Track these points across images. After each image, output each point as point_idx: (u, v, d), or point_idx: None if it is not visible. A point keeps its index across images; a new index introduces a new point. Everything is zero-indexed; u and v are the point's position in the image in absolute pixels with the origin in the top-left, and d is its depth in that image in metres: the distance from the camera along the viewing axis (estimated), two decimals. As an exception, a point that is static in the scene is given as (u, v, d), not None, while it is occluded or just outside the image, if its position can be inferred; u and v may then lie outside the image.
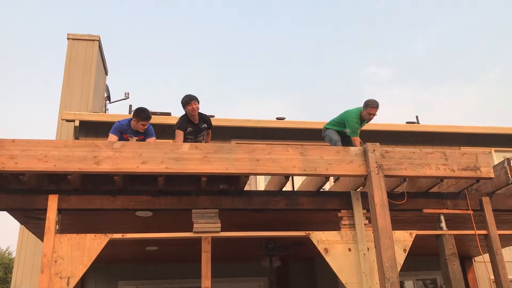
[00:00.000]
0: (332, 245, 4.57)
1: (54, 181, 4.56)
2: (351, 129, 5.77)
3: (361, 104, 5.97)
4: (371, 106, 5.65)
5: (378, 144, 4.69)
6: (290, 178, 7.35)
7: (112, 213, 4.76)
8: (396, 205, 4.94)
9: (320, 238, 4.59)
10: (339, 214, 4.81)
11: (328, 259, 4.52)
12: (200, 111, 5.74)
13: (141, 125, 5.39)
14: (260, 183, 8.76)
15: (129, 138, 5.46)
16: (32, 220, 4.87)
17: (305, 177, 5.94)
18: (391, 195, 4.89)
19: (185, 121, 5.70)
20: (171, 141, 5.64)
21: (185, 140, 5.65)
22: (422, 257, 8.02)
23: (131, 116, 5.60)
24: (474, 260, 8.48)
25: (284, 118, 9.61)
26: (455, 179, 5.15)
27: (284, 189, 5.19)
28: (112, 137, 5.37)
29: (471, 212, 5.22)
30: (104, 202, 4.49)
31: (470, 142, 9.86)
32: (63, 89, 9.54)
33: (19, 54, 68.13)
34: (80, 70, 9.85)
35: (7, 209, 4.49)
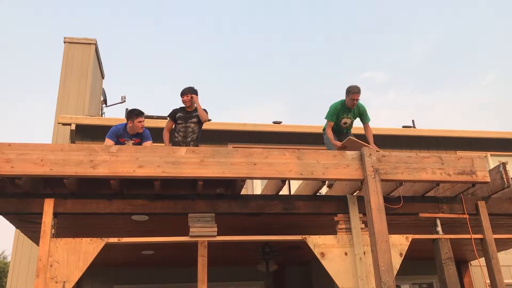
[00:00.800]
0: (329, 249, 4.57)
1: (50, 185, 4.55)
2: (327, 114, 5.94)
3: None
4: (353, 92, 5.77)
5: (374, 149, 4.71)
6: (287, 182, 7.37)
7: (108, 217, 4.75)
8: (393, 209, 4.95)
9: (317, 242, 4.59)
10: (336, 218, 4.81)
11: (324, 263, 4.52)
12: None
13: (138, 123, 5.39)
14: (257, 187, 8.76)
15: (126, 142, 5.45)
16: (27, 224, 4.85)
17: (301, 181, 5.95)
18: (387, 199, 4.90)
19: (177, 109, 5.79)
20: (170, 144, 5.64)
21: (177, 125, 5.71)
22: (418, 261, 8.02)
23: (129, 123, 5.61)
24: (470, 264, 8.49)
25: (281, 122, 9.62)
26: (451, 183, 5.18)
27: (280, 193, 5.19)
28: (108, 142, 5.37)
29: (467, 216, 5.24)
30: (100, 206, 4.49)
31: (466, 147, 9.90)
32: (59, 92, 9.52)
33: (15, 57, 67.98)
34: (77, 73, 9.83)
35: (2, 213, 4.47)
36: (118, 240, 4.32)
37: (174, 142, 5.68)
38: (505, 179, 5.23)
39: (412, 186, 5.46)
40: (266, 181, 6.10)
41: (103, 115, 11.42)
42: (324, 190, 6.41)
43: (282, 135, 9.21)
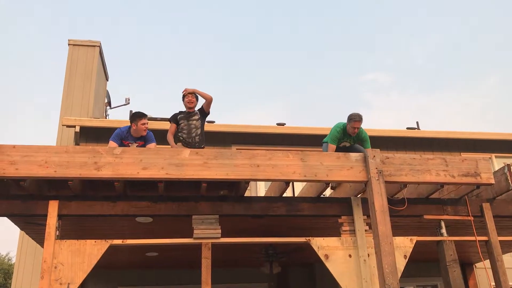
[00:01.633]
0: (333, 251, 4.57)
1: (55, 187, 4.56)
2: (329, 136, 5.88)
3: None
4: (354, 120, 5.69)
5: (378, 150, 4.70)
6: (291, 184, 7.36)
7: (112, 219, 4.76)
8: (397, 211, 4.94)
9: (321, 244, 4.58)
10: (340, 220, 4.81)
11: (328, 265, 4.51)
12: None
13: (141, 125, 5.40)
14: (261, 189, 8.75)
15: (130, 144, 5.46)
16: (32, 226, 4.87)
17: (305, 183, 5.94)
18: (391, 201, 4.89)
19: (177, 113, 5.83)
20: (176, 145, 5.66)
21: (179, 126, 5.73)
22: (422, 263, 8.00)
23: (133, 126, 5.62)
24: (475, 266, 8.46)
25: (285, 124, 9.62)
26: (455, 185, 5.16)
27: (284, 195, 5.19)
28: (112, 144, 5.36)
29: (472, 218, 5.22)
30: (104, 208, 4.49)
31: (470, 148, 9.87)
32: (63, 94, 9.56)
33: (19, 59, 68.36)
34: (81, 75, 9.87)
35: (7, 215, 4.48)
36: (122, 242, 4.33)
37: (179, 141, 5.70)
38: (510, 181, 5.21)
39: (416, 188, 5.45)
40: (269, 183, 6.09)
41: (107, 117, 11.45)
42: (328, 192, 6.40)
43: (286, 137, 9.22)
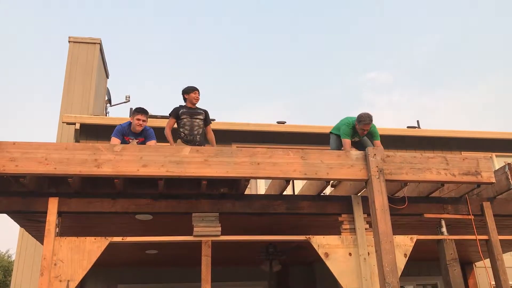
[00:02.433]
0: (333, 250, 4.56)
1: (55, 184, 4.55)
2: (342, 132, 5.84)
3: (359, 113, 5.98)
4: (364, 122, 5.68)
5: (379, 148, 4.69)
6: (291, 182, 7.36)
7: (112, 216, 4.75)
8: (397, 210, 4.93)
9: (321, 243, 4.58)
10: (340, 219, 4.80)
11: (328, 263, 4.51)
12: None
13: (136, 120, 5.40)
14: (261, 187, 8.75)
15: (130, 140, 5.47)
16: (32, 222, 4.87)
17: (305, 181, 5.94)
18: (392, 199, 4.88)
19: (179, 107, 5.78)
20: (174, 144, 5.63)
21: (180, 120, 5.68)
22: (423, 262, 7.99)
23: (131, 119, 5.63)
24: (475, 265, 8.45)
25: (285, 122, 9.60)
26: (456, 184, 5.15)
27: (284, 193, 5.18)
28: (114, 140, 5.39)
29: (472, 217, 5.21)
30: (104, 205, 4.49)
31: (471, 147, 9.85)
32: (64, 92, 9.55)
33: (20, 56, 68.31)
34: (81, 73, 9.86)
35: (7, 212, 4.48)
36: (122, 239, 4.33)
37: (180, 138, 5.67)
38: (510, 180, 5.20)
39: (417, 187, 5.44)
40: (270, 181, 6.09)
41: (107, 114, 11.44)
42: (328, 190, 6.40)
43: (286, 135, 9.20)
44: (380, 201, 4.40)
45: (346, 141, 5.76)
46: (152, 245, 6.13)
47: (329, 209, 4.94)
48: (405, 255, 4.66)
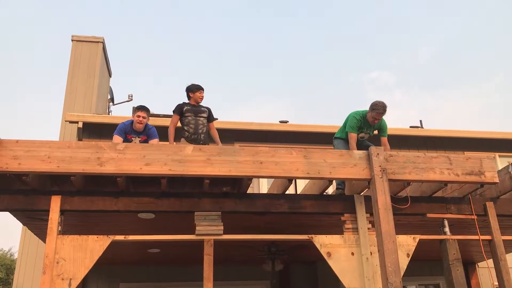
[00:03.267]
0: (335, 249, 4.55)
1: (57, 182, 4.56)
2: (348, 125, 5.70)
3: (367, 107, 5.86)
4: (377, 111, 5.51)
5: (382, 147, 4.67)
6: (293, 181, 7.36)
7: (115, 215, 4.76)
8: (400, 209, 4.92)
9: (323, 242, 4.57)
10: (342, 218, 4.79)
11: (330, 263, 4.50)
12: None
13: (136, 117, 5.41)
14: (263, 186, 8.75)
15: (133, 138, 5.48)
16: (34, 221, 4.87)
17: (308, 180, 5.92)
18: (394, 199, 4.86)
19: (182, 104, 5.76)
20: (174, 143, 5.62)
21: (184, 118, 5.67)
22: (425, 262, 7.97)
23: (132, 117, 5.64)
24: (478, 265, 8.42)
25: (288, 122, 9.60)
26: (459, 183, 5.14)
27: (287, 192, 5.18)
28: (117, 138, 5.40)
29: (475, 217, 5.20)
30: (106, 204, 4.49)
31: (474, 147, 9.82)
32: (66, 90, 9.56)
33: (23, 54, 68.44)
34: (84, 71, 9.87)
35: (9, 210, 4.48)
36: (125, 237, 4.32)
37: (185, 137, 5.66)
38: (514, 180, 5.18)
39: (420, 186, 5.43)
40: (272, 180, 6.08)
41: (110, 113, 11.46)
42: (330, 190, 6.39)
43: (289, 134, 9.20)
44: (383, 201, 4.38)
45: (352, 136, 5.62)
46: (154, 244, 6.13)
47: (331, 209, 4.92)
48: (408, 255, 4.65)
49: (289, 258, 7.05)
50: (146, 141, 5.53)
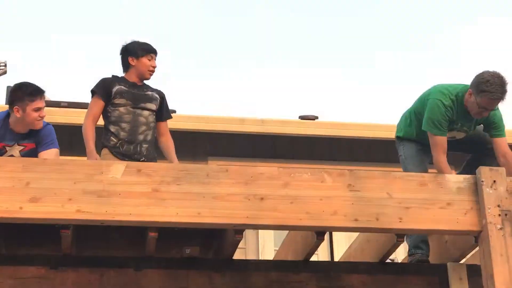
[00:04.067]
0: None
1: None
2: (429, 119, 5.56)
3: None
4: (490, 96, 5.43)
5: (503, 170, 4.66)
6: (329, 236, 7.28)
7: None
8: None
9: None
10: (425, 310, 4.81)
11: None
12: None
13: (32, 112, 5.38)
14: (267, 246, 8.80)
15: (7, 148, 5.46)
16: None
17: (356, 234, 5.92)
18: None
19: (111, 78, 5.83)
20: (97, 157, 5.57)
21: (112, 107, 5.69)
22: None
23: (6, 107, 5.60)
24: None
25: (317, 118, 9.62)
26: None
27: (313, 258, 5.22)
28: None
29: None
30: None
31: None
32: None
33: None
34: None
35: None
36: None
37: (110, 146, 5.61)
38: None
39: None
40: (284, 234, 6.07)
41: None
42: (400, 255, 6.39)
43: (317, 143, 9.24)
44: (506, 276, 4.38)
45: (438, 140, 5.55)
46: None
47: (403, 291, 4.97)
48: None
49: None
50: (34, 152, 5.51)
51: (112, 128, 5.63)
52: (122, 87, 5.68)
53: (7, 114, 5.52)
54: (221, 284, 4.82)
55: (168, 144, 5.89)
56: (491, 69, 5.38)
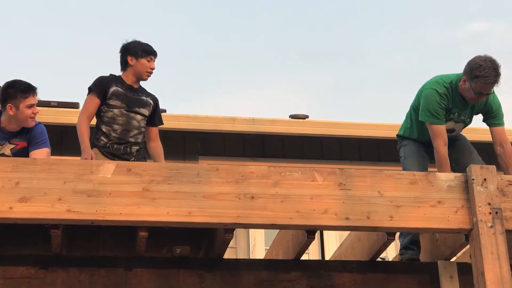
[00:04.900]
0: None
1: None
2: (425, 108, 5.55)
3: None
4: (484, 81, 5.43)
5: (493, 167, 4.67)
6: (319, 235, 7.27)
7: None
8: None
9: None
10: (415, 307, 4.82)
11: None
12: None
13: (26, 109, 5.37)
14: (258, 244, 8.80)
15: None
16: None
17: (347, 233, 5.93)
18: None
19: (108, 77, 5.81)
20: (92, 154, 5.55)
21: (106, 108, 5.69)
22: None
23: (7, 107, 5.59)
24: None
25: (307, 117, 9.62)
26: None
27: (304, 257, 5.23)
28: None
29: None
30: None
31: None
32: None
33: None
34: None
35: None
36: None
37: (100, 146, 5.61)
38: None
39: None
40: (275, 233, 6.07)
41: None
42: (392, 252, 6.39)
43: (308, 141, 9.24)
44: (496, 274, 4.39)
45: (437, 129, 5.59)
46: None
47: (394, 288, 4.99)
48: None
49: None
50: (25, 151, 5.51)
51: (104, 128, 5.64)
52: (119, 88, 5.70)
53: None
54: (212, 283, 4.82)
55: (157, 150, 5.95)
56: (482, 54, 5.43)
